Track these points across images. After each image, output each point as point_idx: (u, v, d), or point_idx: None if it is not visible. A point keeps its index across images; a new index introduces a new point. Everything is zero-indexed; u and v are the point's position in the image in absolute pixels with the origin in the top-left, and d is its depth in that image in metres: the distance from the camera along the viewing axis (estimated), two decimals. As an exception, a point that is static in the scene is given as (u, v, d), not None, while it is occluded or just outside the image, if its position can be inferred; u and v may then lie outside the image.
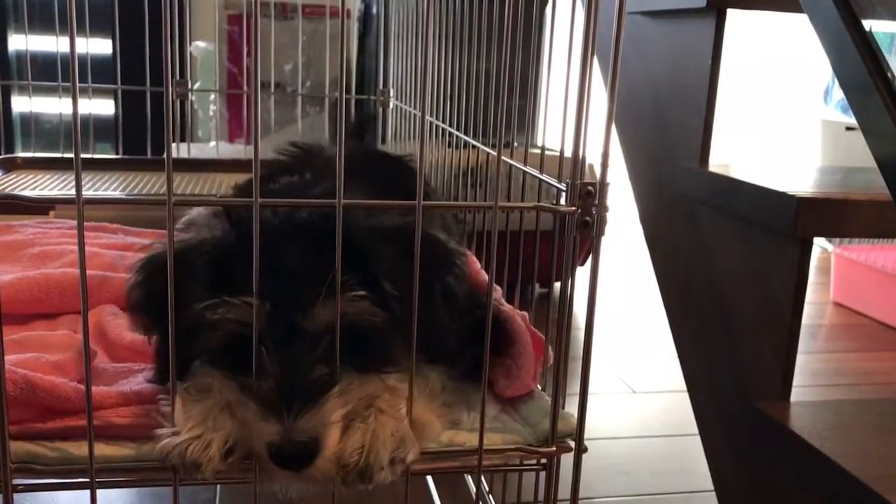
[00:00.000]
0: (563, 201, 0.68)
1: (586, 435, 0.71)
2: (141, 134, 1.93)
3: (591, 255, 0.67)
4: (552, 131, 0.88)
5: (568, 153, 0.69)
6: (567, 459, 0.72)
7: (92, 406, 0.63)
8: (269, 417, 0.61)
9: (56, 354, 0.81)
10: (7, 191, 1.58)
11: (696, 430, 1.26)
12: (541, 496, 0.76)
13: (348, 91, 2.41)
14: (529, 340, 0.80)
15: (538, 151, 0.89)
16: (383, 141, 2.03)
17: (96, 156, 2.15)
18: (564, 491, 0.73)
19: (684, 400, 1.30)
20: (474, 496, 0.88)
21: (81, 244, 0.60)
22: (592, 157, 0.67)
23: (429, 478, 1.28)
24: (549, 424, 0.72)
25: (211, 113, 2.79)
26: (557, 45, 0.80)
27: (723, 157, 1.36)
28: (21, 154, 1.97)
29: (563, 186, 0.69)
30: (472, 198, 1.59)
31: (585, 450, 0.71)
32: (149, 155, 2.06)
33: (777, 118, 3.83)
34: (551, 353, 0.77)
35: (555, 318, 0.72)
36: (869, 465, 0.88)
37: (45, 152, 2.10)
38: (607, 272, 1.74)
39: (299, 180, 0.89)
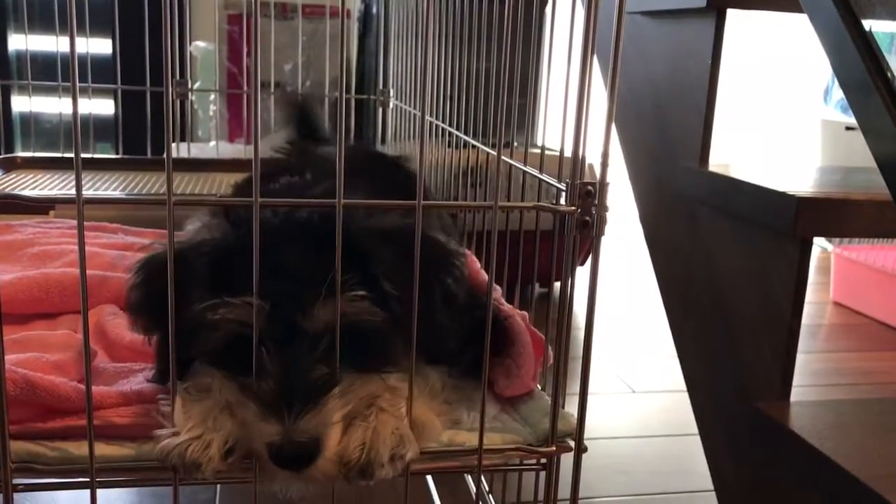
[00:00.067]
0: (562, 201, 0.68)
1: (586, 435, 0.71)
2: (141, 134, 1.93)
3: (591, 255, 0.67)
4: (552, 131, 0.88)
5: (568, 153, 0.69)
6: (567, 459, 0.72)
7: (92, 406, 0.63)
8: (270, 418, 0.61)
9: (56, 354, 0.81)
10: (7, 190, 1.58)
11: (696, 429, 1.26)
12: (541, 496, 0.76)
13: (348, 91, 2.41)
14: (529, 340, 0.80)
15: (538, 151, 0.89)
16: (383, 141, 2.03)
17: (96, 156, 2.15)
18: (564, 491, 0.73)
19: (684, 400, 1.30)
20: (474, 496, 0.88)
21: (81, 244, 0.60)
22: (592, 157, 0.67)
23: (429, 477, 1.28)
24: (548, 424, 0.72)
25: (211, 113, 2.79)
26: (557, 44, 0.80)
27: (723, 156, 1.36)
28: (21, 154, 1.96)
29: (562, 186, 0.69)
30: (472, 197, 1.59)
31: (585, 449, 0.71)
32: (149, 155, 2.06)
33: (777, 118, 3.83)
34: (551, 353, 0.77)
35: (555, 318, 0.72)
36: (869, 464, 0.88)
37: (45, 152, 2.10)
38: (607, 272, 1.74)
39: (299, 180, 0.89)
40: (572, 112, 0.66)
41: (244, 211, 0.63)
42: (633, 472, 1.57)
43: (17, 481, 0.64)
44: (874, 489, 0.82)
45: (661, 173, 1.36)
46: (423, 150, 0.69)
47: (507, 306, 0.88)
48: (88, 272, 0.61)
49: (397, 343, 0.68)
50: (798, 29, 2.86)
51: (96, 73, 1.88)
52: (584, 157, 0.67)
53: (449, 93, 1.32)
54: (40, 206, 1.44)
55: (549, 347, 0.80)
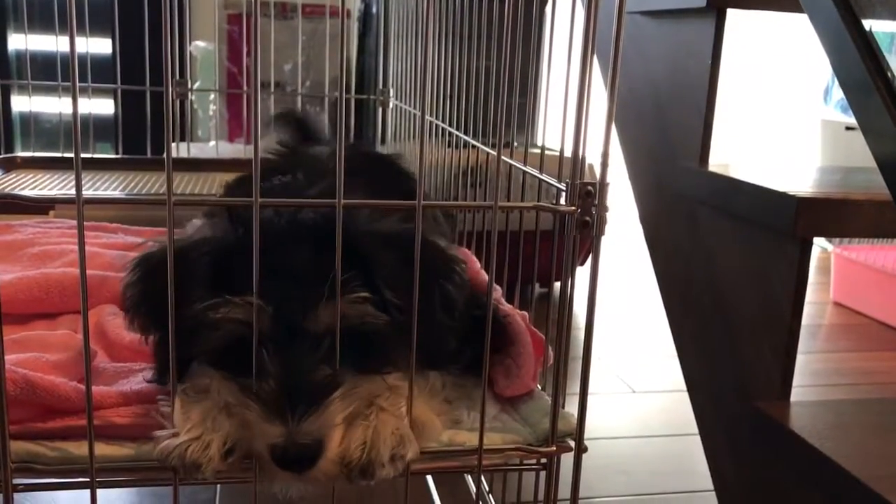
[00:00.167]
0: (562, 201, 0.68)
1: (586, 435, 0.71)
2: (141, 133, 1.93)
3: (591, 255, 0.67)
4: (552, 131, 0.88)
5: (568, 153, 0.69)
6: (567, 459, 0.72)
7: (92, 406, 0.63)
8: (273, 419, 0.61)
9: (56, 354, 0.81)
10: (7, 190, 1.58)
11: (696, 429, 1.26)
12: (541, 496, 0.76)
13: (348, 91, 2.41)
14: (529, 340, 0.80)
15: (538, 151, 0.89)
16: (383, 141, 2.03)
17: (96, 155, 2.15)
18: (564, 491, 0.73)
19: (684, 400, 1.30)
20: (474, 496, 0.88)
21: (81, 244, 0.60)
22: (592, 157, 0.67)
23: (429, 477, 1.28)
24: (549, 424, 0.72)
25: (211, 112, 2.79)
26: (557, 44, 0.80)
27: (723, 156, 1.36)
28: (21, 153, 1.96)
29: (562, 186, 0.69)
30: (472, 197, 1.59)
31: (585, 449, 0.71)
32: (148, 154, 2.06)
33: (777, 118, 3.83)
34: (551, 353, 0.77)
35: (555, 318, 0.72)
36: (869, 464, 0.88)
37: (45, 152, 2.10)
38: (607, 272, 1.74)
39: (293, 180, 0.88)
40: (572, 112, 0.66)
41: (245, 210, 0.63)
42: (634, 472, 1.57)
43: (17, 481, 0.64)
44: (874, 489, 0.82)
45: (661, 173, 1.36)
46: (423, 150, 0.69)
47: (506, 306, 0.88)
48: (88, 272, 0.61)
49: (398, 346, 0.68)
50: (798, 29, 2.86)
51: (96, 73, 1.88)
52: (584, 157, 0.67)
53: (449, 92, 1.32)
54: (40, 206, 1.44)
55: (549, 347, 0.80)
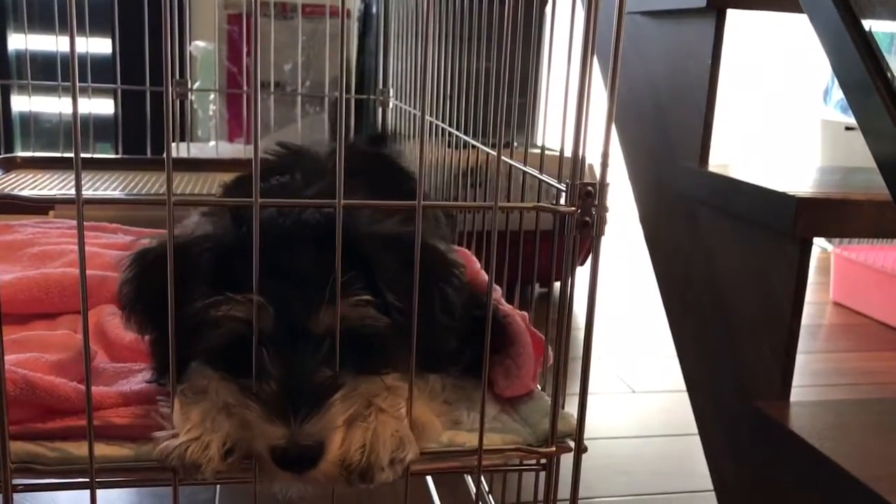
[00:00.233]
0: (562, 201, 0.68)
1: (586, 435, 0.71)
2: (141, 133, 1.93)
3: (591, 255, 0.67)
4: (552, 131, 0.88)
5: (568, 153, 0.69)
6: (567, 459, 0.72)
7: (92, 406, 0.63)
8: (274, 420, 0.61)
9: (56, 354, 0.81)
10: (7, 190, 1.58)
11: (695, 429, 1.26)
12: (541, 496, 0.76)
13: (348, 91, 2.41)
14: (529, 340, 0.80)
15: (538, 151, 0.89)
16: (383, 141, 2.03)
17: (96, 155, 2.15)
18: (564, 491, 0.73)
19: (684, 400, 1.30)
20: (474, 496, 0.88)
21: (81, 244, 0.60)
22: (592, 157, 0.67)
23: (429, 478, 1.28)
24: (548, 424, 0.72)
25: (211, 112, 2.79)
26: (557, 44, 0.80)
27: (723, 156, 1.36)
28: (20, 153, 1.96)
29: (562, 186, 0.69)
30: (472, 198, 1.59)
31: (585, 450, 0.71)
32: (148, 154, 2.06)
33: (777, 118, 3.83)
34: (551, 353, 0.77)
35: (555, 318, 0.72)
36: (869, 465, 0.88)
37: (45, 152, 2.10)
38: (607, 272, 1.74)
39: (291, 181, 0.88)
40: (572, 112, 0.66)
41: (248, 210, 0.62)
42: (633, 473, 1.57)
43: (16, 481, 0.64)
44: (874, 489, 0.82)
45: (661, 173, 1.36)
46: (423, 150, 0.69)
47: (506, 306, 0.88)
48: (88, 272, 0.61)
49: (399, 348, 0.67)
50: (798, 29, 2.86)
51: (96, 73, 1.88)
52: (584, 158, 0.67)
53: (449, 93, 1.32)
54: (40, 206, 1.44)
55: (549, 347, 0.80)
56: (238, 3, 2.63)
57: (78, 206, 0.59)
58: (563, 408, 0.74)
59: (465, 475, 1.19)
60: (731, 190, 1.14)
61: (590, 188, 0.66)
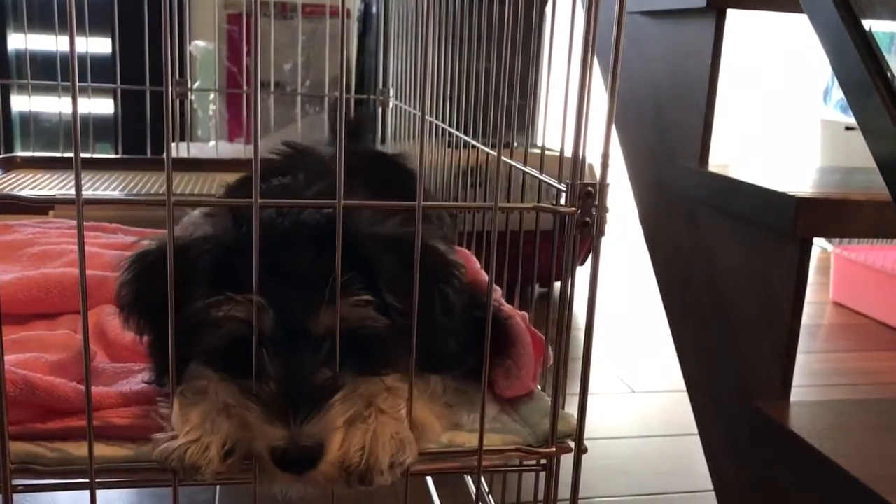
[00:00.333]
0: (562, 201, 0.68)
1: (586, 435, 0.71)
2: (140, 133, 1.93)
3: (591, 256, 0.67)
4: (552, 131, 0.88)
5: (568, 153, 0.69)
6: (567, 460, 0.72)
7: (91, 406, 0.63)
8: (275, 421, 0.61)
9: (56, 354, 0.81)
10: (6, 190, 1.58)
11: (695, 430, 1.26)
12: (541, 496, 0.76)
13: (348, 91, 2.41)
14: (529, 341, 0.80)
15: (538, 151, 0.89)
16: (383, 141, 2.03)
17: (96, 155, 2.15)
18: (564, 491, 0.73)
19: (684, 400, 1.30)
20: (474, 497, 0.88)
21: (81, 244, 0.60)
22: (592, 158, 0.67)
23: (428, 478, 1.28)
24: (548, 425, 0.72)
25: (210, 112, 2.79)
26: (557, 44, 0.80)
27: (723, 156, 1.36)
28: (20, 153, 1.96)
29: (562, 187, 0.69)
30: (472, 198, 1.59)
31: (585, 450, 0.71)
32: (148, 154, 2.06)
33: (777, 118, 3.83)
34: (551, 354, 0.77)
35: (555, 319, 0.72)
36: (869, 465, 0.88)
37: (45, 152, 2.10)
38: (607, 272, 1.74)
39: (293, 181, 0.88)
40: (572, 112, 0.66)
41: (248, 210, 0.62)
42: (633, 473, 1.57)
43: (16, 482, 0.64)
44: (874, 489, 0.82)
45: (661, 173, 1.36)
46: (423, 150, 0.69)
47: (507, 307, 0.88)
48: (88, 272, 0.61)
49: (399, 349, 0.67)
50: (798, 29, 2.86)
51: (96, 73, 1.88)
52: (584, 158, 0.67)
53: (449, 93, 1.32)
54: (40, 206, 1.44)
55: (549, 348, 0.80)
56: (238, 3, 2.63)
57: (78, 206, 0.59)
58: (563, 408, 0.74)
59: (465, 476, 1.19)
60: (731, 190, 1.14)
61: (590, 188, 0.66)
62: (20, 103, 2.79)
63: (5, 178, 1.74)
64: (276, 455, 0.61)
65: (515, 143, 0.95)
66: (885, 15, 0.95)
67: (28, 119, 2.07)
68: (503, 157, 0.77)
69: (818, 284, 2.79)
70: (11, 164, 1.86)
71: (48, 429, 0.69)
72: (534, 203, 0.71)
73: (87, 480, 0.64)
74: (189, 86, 2.14)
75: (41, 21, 1.99)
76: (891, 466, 0.88)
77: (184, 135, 2.13)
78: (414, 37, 1.62)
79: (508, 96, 0.78)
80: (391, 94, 1.94)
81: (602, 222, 0.67)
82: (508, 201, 0.93)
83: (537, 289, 0.95)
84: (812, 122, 3.54)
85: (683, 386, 1.29)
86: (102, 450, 0.67)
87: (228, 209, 0.75)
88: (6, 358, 0.63)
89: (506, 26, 0.71)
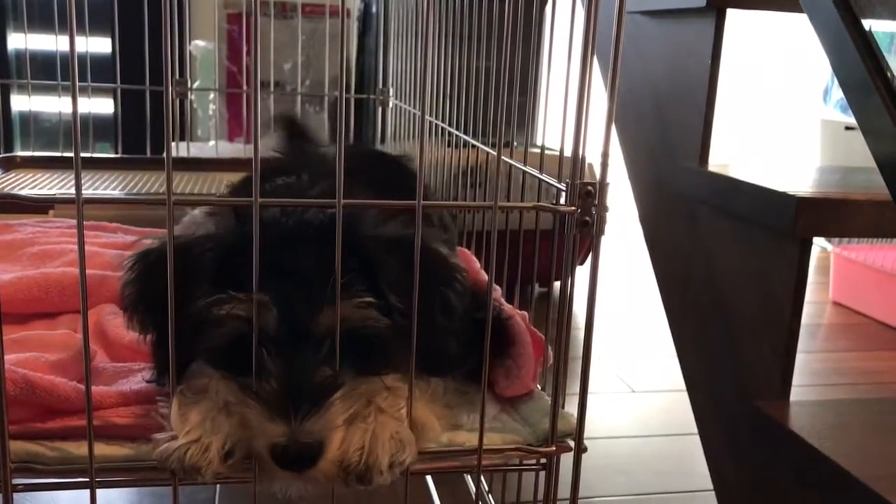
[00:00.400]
0: (562, 201, 0.68)
1: (586, 434, 0.71)
2: (140, 133, 1.93)
3: (590, 255, 0.67)
4: (552, 131, 0.88)
5: (568, 153, 0.69)
6: (567, 459, 0.72)
7: (92, 406, 0.63)
8: (275, 418, 0.61)
9: (56, 354, 0.81)
10: (6, 190, 1.58)
11: (695, 429, 1.26)
12: (540, 496, 0.76)
13: (348, 90, 2.41)
14: (529, 340, 0.80)
15: (538, 151, 0.89)
16: (382, 140, 2.03)
17: (96, 155, 2.15)
18: (564, 490, 0.73)
19: (684, 399, 1.30)
20: (474, 496, 0.88)
21: (81, 243, 0.60)
22: (592, 157, 0.67)
23: (428, 477, 1.28)
24: (548, 424, 0.72)
25: (210, 112, 2.79)
26: (557, 44, 0.80)
27: (722, 156, 1.36)
28: (20, 153, 1.96)
29: (562, 186, 0.69)
30: (472, 197, 1.59)
31: (585, 449, 0.71)
32: (148, 154, 2.06)
33: (777, 118, 3.83)
34: (551, 353, 0.77)
35: (554, 318, 0.72)
36: (868, 464, 0.88)
37: (45, 151, 2.10)
38: (607, 272, 1.74)
39: (296, 181, 0.88)
40: (572, 112, 0.66)
41: (251, 209, 0.62)
42: (633, 472, 1.57)
43: (16, 481, 0.64)
44: (874, 489, 0.82)
45: (661, 173, 1.36)
46: (422, 149, 0.69)
47: (507, 306, 0.88)
48: (88, 272, 0.61)
49: (401, 350, 0.67)
50: (798, 29, 2.86)
51: (96, 73, 1.87)
52: (584, 157, 0.67)
53: (449, 92, 1.32)
54: (40, 206, 1.44)
55: (549, 347, 0.80)
56: (238, 3, 2.64)
57: (78, 206, 0.59)
58: (563, 407, 0.74)
59: (465, 475, 1.19)
60: (731, 190, 1.14)
61: (590, 188, 0.66)
62: (20, 103, 2.79)
63: (5, 178, 1.74)
64: (276, 452, 0.61)
65: (515, 143, 0.95)
66: (884, 15, 0.95)
67: (28, 119, 2.07)
68: (503, 157, 0.77)
69: (818, 284, 2.79)
70: (11, 164, 1.86)
71: (48, 428, 0.69)
72: (534, 202, 0.71)
73: (88, 479, 0.64)
74: (189, 85, 2.13)
75: (41, 21, 1.98)
76: (891, 466, 0.89)
77: (184, 134, 2.13)
78: (414, 36, 1.62)
79: (508, 96, 0.78)
80: (391, 93, 1.95)
81: (602, 221, 0.67)
82: (508, 201, 0.93)
83: (537, 288, 0.95)
84: (812, 121, 3.54)
85: (683, 385, 1.30)
86: (102, 449, 0.67)
87: (231, 208, 0.75)
88: (6, 357, 0.63)
89: (506, 26, 0.71)
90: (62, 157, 1.89)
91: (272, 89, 2.51)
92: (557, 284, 0.78)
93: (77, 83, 0.57)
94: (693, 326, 1.28)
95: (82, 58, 1.89)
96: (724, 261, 1.17)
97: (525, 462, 0.77)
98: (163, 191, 0.60)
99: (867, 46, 0.89)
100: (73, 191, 0.58)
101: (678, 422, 1.74)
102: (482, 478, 0.98)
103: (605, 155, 0.65)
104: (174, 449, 0.62)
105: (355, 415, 0.65)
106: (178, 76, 2.02)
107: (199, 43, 2.66)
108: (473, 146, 1.17)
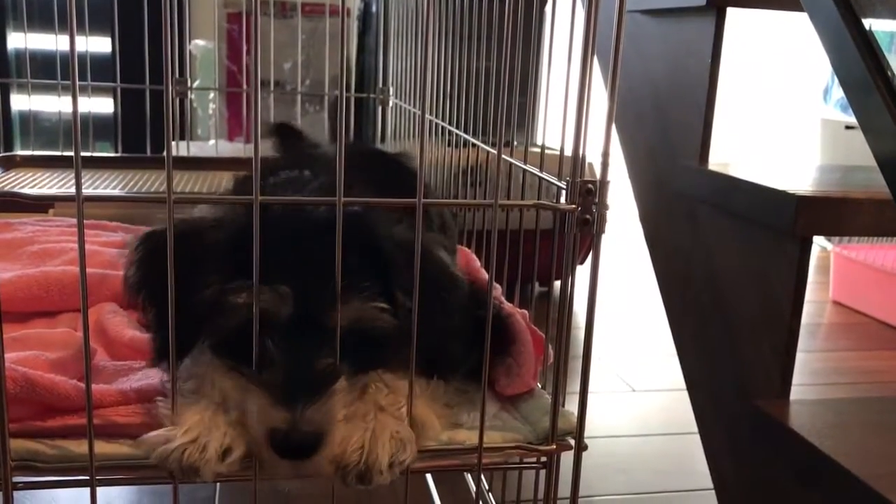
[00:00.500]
0: (563, 199, 0.68)
1: (586, 433, 0.71)
2: (140, 132, 1.93)
3: (591, 254, 0.67)
4: (552, 130, 0.88)
5: (568, 152, 0.69)
6: (567, 458, 0.72)
7: (92, 404, 0.63)
8: (278, 405, 0.61)
9: (56, 352, 0.81)
10: (6, 189, 1.58)
11: (695, 428, 1.26)
12: (541, 494, 0.76)
13: (348, 89, 2.41)
14: (530, 339, 0.80)
15: (538, 150, 0.89)
16: (383, 139, 2.03)
17: (96, 154, 2.15)
18: (564, 489, 0.73)
19: (684, 398, 1.30)
20: (474, 494, 0.88)
21: (81, 242, 0.60)
22: (592, 156, 0.67)
23: (428, 476, 1.28)
24: (549, 422, 0.72)
25: (210, 111, 2.79)
26: (557, 43, 0.80)
27: (722, 155, 1.36)
28: (20, 152, 1.96)
29: (563, 185, 0.69)
30: (472, 196, 1.59)
31: (585, 448, 0.71)
32: (148, 153, 2.06)
33: (777, 117, 3.83)
34: (551, 352, 0.77)
35: (555, 317, 0.72)
36: (868, 463, 0.88)
37: (45, 150, 2.10)
38: (607, 271, 1.74)
39: (299, 175, 0.88)
40: (572, 111, 0.66)
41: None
42: (633, 471, 1.57)
43: (16, 479, 0.64)
44: (874, 488, 0.82)
45: (661, 172, 1.36)
46: (423, 148, 0.69)
47: (507, 305, 0.88)
48: (88, 270, 0.61)
49: (406, 350, 0.67)
50: (798, 28, 2.86)
51: (96, 72, 1.87)
52: (584, 156, 0.67)
53: (449, 91, 1.32)
54: (40, 205, 1.44)
55: (550, 346, 0.80)
56: (238, 2, 2.63)
57: (78, 204, 0.59)
58: (563, 406, 0.74)
59: (466, 473, 1.19)
60: (731, 188, 1.14)
61: (590, 186, 0.66)
62: (20, 102, 2.79)
63: (5, 177, 1.74)
64: (276, 439, 0.61)
65: (515, 142, 0.95)
66: (885, 14, 0.96)
67: (28, 118, 2.06)
68: (503, 156, 0.77)
69: (818, 283, 2.79)
70: (11, 163, 1.86)
71: (48, 426, 0.69)
72: (534, 201, 0.71)
73: (88, 478, 0.64)
74: (189, 85, 2.13)
75: (41, 20, 1.98)
76: (890, 465, 0.89)
77: (184, 133, 2.13)
78: (414, 35, 1.62)
79: (508, 95, 0.78)
80: (391, 92, 1.95)
81: (602, 220, 0.67)
82: (509, 199, 0.93)
83: (537, 287, 0.95)
84: (812, 120, 3.54)
85: (683, 384, 1.30)
86: (103, 447, 0.67)
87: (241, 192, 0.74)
88: (7, 355, 0.63)
89: (506, 25, 0.71)
90: (62, 156, 1.89)
91: (272, 89, 2.51)
92: (558, 283, 0.78)
93: (77, 82, 0.57)
94: (693, 325, 1.28)
95: (82, 57, 1.89)
96: (724, 260, 1.17)
97: (525, 460, 0.77)
98: (163, 190, 0.60)
99: (867, 45, 0.89)
100: (73, 189, 0.58)
101: (678, 421, 1.74)
102: (482, 476, 0.98)
103: (605, 154, 0.65)
104: (172, 450, 0.61)
105: (355, 410, 0.65)
106: (178, 75, 2.02)
107: (199, 42, 2.66)
108: (474, 145, 1.17)
